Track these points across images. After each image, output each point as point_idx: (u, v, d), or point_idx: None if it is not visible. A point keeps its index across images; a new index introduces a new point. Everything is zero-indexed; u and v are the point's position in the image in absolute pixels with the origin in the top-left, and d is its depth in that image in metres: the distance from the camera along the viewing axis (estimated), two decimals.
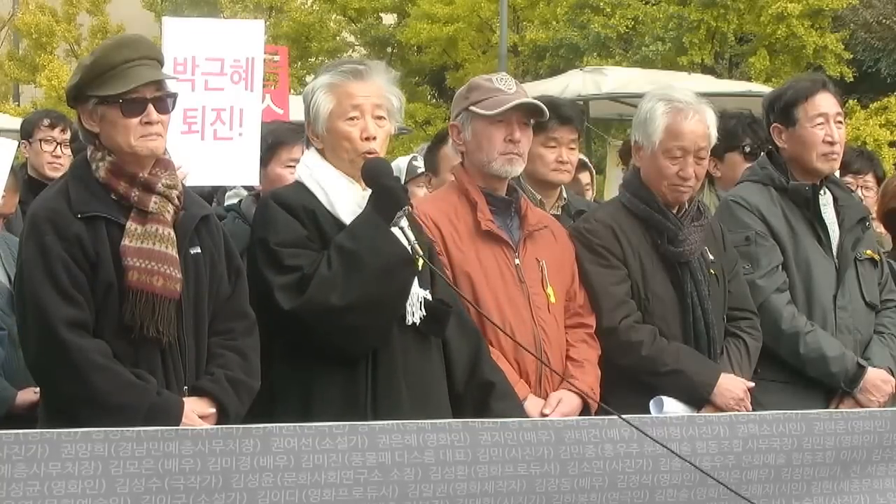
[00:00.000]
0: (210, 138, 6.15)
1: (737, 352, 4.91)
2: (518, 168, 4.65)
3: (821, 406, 4.89)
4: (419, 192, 5.88)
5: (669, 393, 4.72)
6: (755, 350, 4.96)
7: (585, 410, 4.53)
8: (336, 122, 4.25)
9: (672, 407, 4.68)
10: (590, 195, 6.98)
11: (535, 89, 12.11)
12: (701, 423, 3.83)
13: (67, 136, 6.92)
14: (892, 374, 5.08)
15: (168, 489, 3.25)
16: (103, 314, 3.82)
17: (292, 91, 13.07)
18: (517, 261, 4.61)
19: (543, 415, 4.43)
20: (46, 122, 7.01)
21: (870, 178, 6.73)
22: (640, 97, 5.50)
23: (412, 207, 4.18)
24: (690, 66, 23.56)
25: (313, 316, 4.03)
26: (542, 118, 4.75)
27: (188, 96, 5.87)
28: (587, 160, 7.22)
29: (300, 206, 4.18)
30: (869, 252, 5.25)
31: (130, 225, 3.86)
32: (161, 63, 4.02)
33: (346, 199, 4.20)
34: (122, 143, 3.89)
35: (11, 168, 5.22)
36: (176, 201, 3.96)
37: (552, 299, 4.64)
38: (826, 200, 5.19)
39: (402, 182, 4.86)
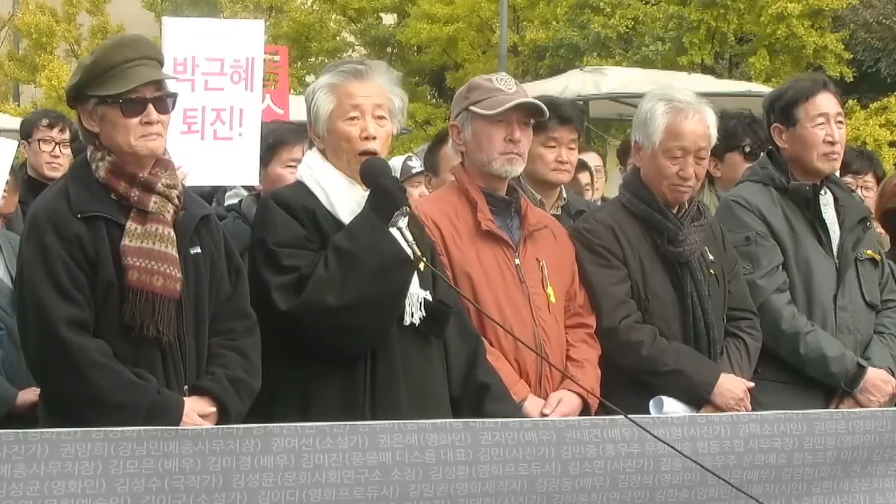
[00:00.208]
0: (210, 138, 6.14)
1: (737, 352, 4.91)
2: (518, 168, 4.65)
3: (821, 406, 4.89)
4: (414, 192, 5.88)
5: (669, 393, 4.72)
6: (755, 350, 4.96)
7: (585, 410, 4.53)
8: (336, 123, 4.25)
9: (672, 407, 4.68)
10: (589, 195, 6.98)
11: (535, 89, 12.12)
12: (703, 422, 3.84)
13: (66, 136, 6.92)
14: (893, 375, 5.08)
15: (168, 489, 3.25)
16: (103, 314, 3.82)
17: (292, 91, 13.08)
18: (517, 261, 4.61)
19: (543, 415, 4.43)
20: (45, 122, 7.01)
21: (870, 179, 6.73)
22: (640, 97, 5.50)
23: (409, 207, 4.17)
24: (690, 66, 23.57)
25: (310, 316, 4.02)
26: (542, 118, 4.75)
27: (188, 96, 5.87)
28: (586, 160, 7.20)
29: (300, 206, 4.17)
30: (869, 252, 5.24)
31: (130, 225, 3.86)
32: (161, 63, 4.02)
33: (346, 199, 4.19)
34: (122, 143, 3.89)
35: (11, 168, 5.22)
36: (176, 201, 3.96)
37: (552, 299, 4.64)
38: (826, 200, 5.19)
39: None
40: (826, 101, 5.14)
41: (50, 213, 3.84)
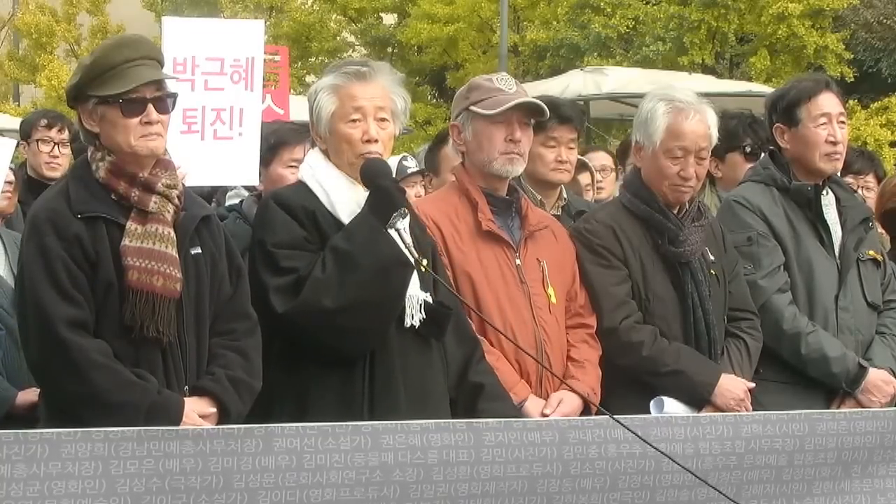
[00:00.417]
0: (210, 138, 6.15)
1: (737, 352, 4.91)
2: (519, 168, 4.64)
3: (822, 407, 4.88)
4: (410, 193, 5.87)
5: (670, 393, 4.72)
6: (755, 350, 4.95)
7: (586, 411, 4.52)
8: (338, 124, 4.24)
9: (672, 407, 4.68)
10: (590, 195, 6.97)
11: (536, 89, 12.13)
12: (705, 422, 3.83)
13: (65, 136, 6.91)
14: (894, 375, 5.08)
15: (168, 489, 3.25)
16: (104, 314, 3.81)
17: (292, 91, 13.06)
18: (518, 261, 4.60)
19: (544, 415, 4.42)
20: (44, 122, 7.01)
21: (871, 179, 6.73)
22: (640, 97, 5.50)
23: (408, 209, 4.14)
24: (691, 66, 23.58)
25: (307, 318, 4.01)
26: (542, 118, 4.74)
27: (188, 96, 5.87)
28: (586, 161, 7.19)
29: (300, 206, 4.16)
30: (871, 252, 5.24)
31: (130, 225, 3.86)
32: (161, 63, 4.02)
33: (346, 199, 4.18)
34: (122, 143, 3.89)
35: (11, 168, 5.23)
36: (176, 201, 3.95)
37: (553, 300, 4.64)
38: (828, 201, 5.19)
39: None
40: (828, 101, 5.13)
41: (50, 214, 3.84)
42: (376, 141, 4.21)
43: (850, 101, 21.98)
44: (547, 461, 3.59)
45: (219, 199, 6.77)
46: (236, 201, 5.90)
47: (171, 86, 4.02)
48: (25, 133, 7.05)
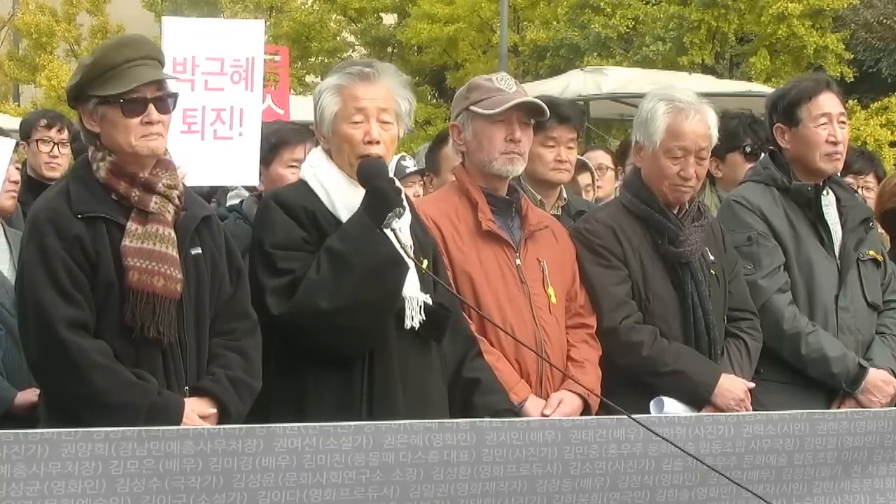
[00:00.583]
0: (210, 138, 6.16)
1: (737, 352, 4.91)
2: (519, 167, 4.64)
3: (822, 407, 4.88)
4: (409, 193, 5.87)
5: (670, 393, 4.72)
6: (755, 351, 4.96)
7: (586, 411, 4.53)
8: (340, 125, 4.23)
9: (672, 407, 4.68)
10: (590, 196, 6.97)
11: (536, 89, 12.11)
12: (708, 422, 3.83)
13: (65, 136, 6.91)
14: (894, 375, 5.08)
15: (168, 489, 3.24)
16: (104, 314, 3.81)
17: (292, 91, 13.07)
18: (518, 261, 4.60)
19: (544, 415, 4.42)
20: (43, 122, 7.00)
21: (871, 179, 6.73)
22: (640, 97, 5.50)
23: (404, 210, 4.12)
24: (691, 66, 23.58)
25: (303, 320, 4.01)
26: (542, 117, 4.74)
27: (188, 96, 5.88)
28: (586, 160, 7.19)
29: (300, 206, 4.16)
30: (872, 252, 5.24)
31: (131, 225, 3.86)
32: (162, 63, 4.02)
33: (346, 200, 4.17)
34: (123, 143, 3.89)
35: (17, 168, 5.25)
36: (177, 201, 3.95)
37: (553, 300, 4.64)
38: (828, 201, 5.19)
39: None
40: (829, 101, 5.13)
41: (50, 214, 3.84)
42: (378, 143, 4.20)
43: (850, 101, 21.98)
44: (547, 461, 3.59)
45: (219, 198, 6.78)
46: (237, 201, 5.91)
47: (171, 86, 4.02)
48: (25, 133, 7.05)
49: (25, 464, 3.13)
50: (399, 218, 4.07)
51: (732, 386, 4.77)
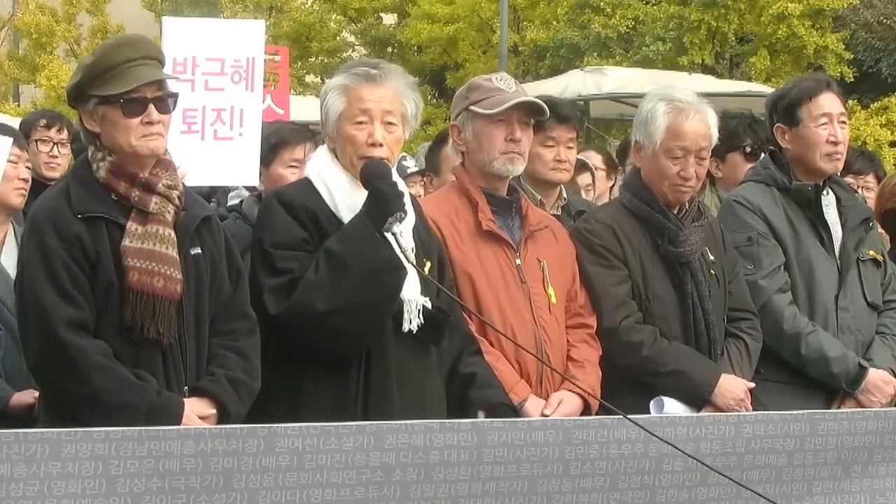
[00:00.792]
0: (210, 138, 6.16)
1: (737, 352, 4.91)
2: (519, 167, 4.64)
3: (822, 407, 4.88)
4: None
5: (670, 393, 4.72)
6: (755, 351, 4.95)
7: (586, 411, 4.53)
8: (344, 125, 4.22)
9: (672, 407, 4.68)
10: (590, 196, 6.97)
11: (536, 89, 12.12)
12: (709, 422, 3.83)
13: (64, 135, 6.90)
14: (894, 375, 5.08)
15: (168, 489, 3.24)
16: (104, 315, 3.81)
17: (292, 91, 13.07)
18: (518, 261, 4.60)
19: (544, 415, 4.42)
20: (43, 122, 6.99)
21: (871, 179, 6.72)
22: (640, 97, 5.50)
23: (405, 214, 4.09)
24: (691, 66, 23.59)
25: (299, 320, 4.01)
26: (542, 117, 4.74)
27: (188, 96, 5.88)
28: (586, 160, 7.19)
29: (302, 206, 4.15)
30: (872, 252, 5.24)
31: (131, 225, 3.86)
32: (162, 63, 4.02)
33: (349, 200, 4.17)
34: (123, 143, 3.89)
35: (27, 167, 5.27)
36: (177, 202, 3.95)
37: (553, 300, 4.64)
38: (828, 201, 5.19)
39: None
40: (829, 101, 5.13)
41: (50, 214, 3.84)
42: (381, 145, 4.19)
43: (850, 101, 21.97)
44: (548, 461, 3.58)
45: (219, 199, 6.78)
46: (237, 202, 5.91)
47: (171, 86, 4.02)
48: (24, 133, 7.03)
49: (25, 464, 3.13)
50: (400, 222, 4.05)
51: (732, 386, 4.76)
